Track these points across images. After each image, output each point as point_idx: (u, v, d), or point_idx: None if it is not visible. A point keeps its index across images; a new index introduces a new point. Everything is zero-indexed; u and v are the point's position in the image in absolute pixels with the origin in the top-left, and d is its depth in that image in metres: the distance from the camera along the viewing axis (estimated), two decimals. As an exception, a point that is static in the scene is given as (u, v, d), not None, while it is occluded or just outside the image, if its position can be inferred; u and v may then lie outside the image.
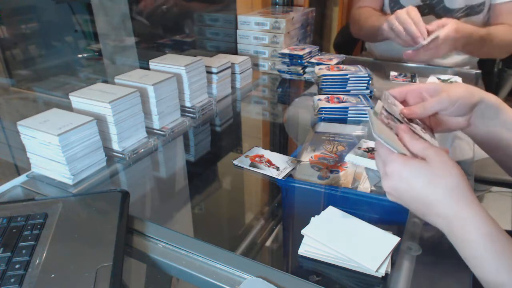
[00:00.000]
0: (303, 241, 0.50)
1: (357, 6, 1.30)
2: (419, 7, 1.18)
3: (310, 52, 1.13)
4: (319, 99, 0.88)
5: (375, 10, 1.28)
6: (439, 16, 1.17)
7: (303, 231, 0.51)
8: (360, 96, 0.88)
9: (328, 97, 0.89)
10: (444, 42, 0.93)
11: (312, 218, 0.54)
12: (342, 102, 0.86)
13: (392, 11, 1.24)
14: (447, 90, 0.52)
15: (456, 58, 1.20)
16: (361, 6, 1.29)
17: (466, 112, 0.53)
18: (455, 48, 0.99)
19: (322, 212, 0.55)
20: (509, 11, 1.10)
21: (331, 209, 0.55)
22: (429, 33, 0.94)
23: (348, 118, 0.85)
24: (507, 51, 1.12)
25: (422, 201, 0.43)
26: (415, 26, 0.94)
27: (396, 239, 0.50)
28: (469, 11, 1.14)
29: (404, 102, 0.57)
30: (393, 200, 0.47)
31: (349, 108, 0.84)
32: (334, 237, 0.50)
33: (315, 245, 0.49)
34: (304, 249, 0.50)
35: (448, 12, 1.15)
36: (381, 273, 0.46)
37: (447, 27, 0.93)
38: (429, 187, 0.43)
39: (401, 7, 1.21)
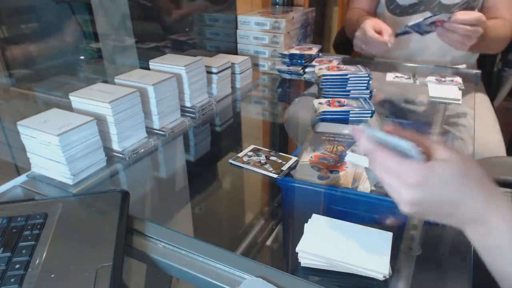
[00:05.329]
0: (301, 254, 0.48)
1: (351, 8, 1.31)
2: (414, 5, 1.18)
3: (318, 51, 1.19)
4: (320, 103, 0.88)
5: (366, 12, 1.29)
6: (435, 13, 1.17)
7: (298, 249, 0.48)
8: (361, 100, 0.88)
9: (329, 101, 0.88)
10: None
11: (304, 233, 0.51)
12: (343, 106, 0.86)
13: (389, 10, 1.24)
14: None
15: (453, 55, 1.20)
16: (354, 8, 1.30)
17: None
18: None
19: (310, 221, 0.52)
20: (503, 4, 1.11)
21: (316, 217, 0.53)
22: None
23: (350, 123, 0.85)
24: (500, 47, 1.13)
25: (448, 201, 0.41)
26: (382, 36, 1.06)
27: (390, 234, 0.49)
28: (465, 6, 1.14)
29: None
30: (412, 212, 0.43)
31: (350, 112, 0.84)
32: (333, 248, 0.48)
33: (316, 258, 0.48)
34: (304, 262, 0.48)
35: (444, 8, 1.15)
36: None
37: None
38: (457, 186, 0.41)
39: (398, 5, 1.21)
